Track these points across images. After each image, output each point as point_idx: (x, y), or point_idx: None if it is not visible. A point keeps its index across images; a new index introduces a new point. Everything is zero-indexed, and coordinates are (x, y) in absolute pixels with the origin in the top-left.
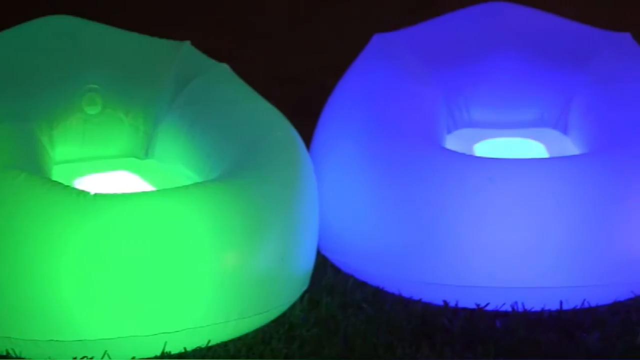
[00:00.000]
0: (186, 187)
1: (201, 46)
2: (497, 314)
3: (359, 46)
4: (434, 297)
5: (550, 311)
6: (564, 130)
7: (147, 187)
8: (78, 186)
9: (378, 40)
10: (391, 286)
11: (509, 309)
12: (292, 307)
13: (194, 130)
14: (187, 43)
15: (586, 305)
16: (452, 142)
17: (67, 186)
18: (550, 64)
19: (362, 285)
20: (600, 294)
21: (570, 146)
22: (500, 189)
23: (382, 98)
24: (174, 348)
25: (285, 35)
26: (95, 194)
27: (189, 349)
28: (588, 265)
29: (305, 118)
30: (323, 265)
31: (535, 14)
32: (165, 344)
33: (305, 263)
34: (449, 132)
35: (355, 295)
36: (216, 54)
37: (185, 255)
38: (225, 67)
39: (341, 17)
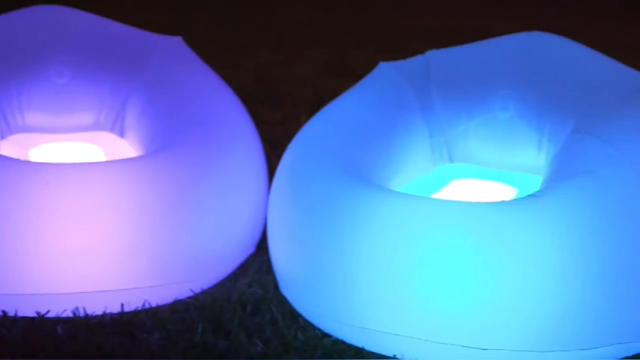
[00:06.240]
0: None
1: None
2: (58, 320)
3: None
4: None
5: (111, 314)
6: (120, 134)
7: None
8: None
9: None
10: None
11: (71, 315)
12: None
13: None
14: None
15: (147, 305)
16: (7, 147)
17: None
18: (105, 68)
19: None
20: (161, 294)
21: (127, 149)
22: (57, 194)
23: None
24: None
25: None
26: None
27: None
28: (148, 267)
29: None
30: None
31: (89, 17)
32: None
33: None
34: (3, 137)
35: None
36: None
37: None
38: None
39: None
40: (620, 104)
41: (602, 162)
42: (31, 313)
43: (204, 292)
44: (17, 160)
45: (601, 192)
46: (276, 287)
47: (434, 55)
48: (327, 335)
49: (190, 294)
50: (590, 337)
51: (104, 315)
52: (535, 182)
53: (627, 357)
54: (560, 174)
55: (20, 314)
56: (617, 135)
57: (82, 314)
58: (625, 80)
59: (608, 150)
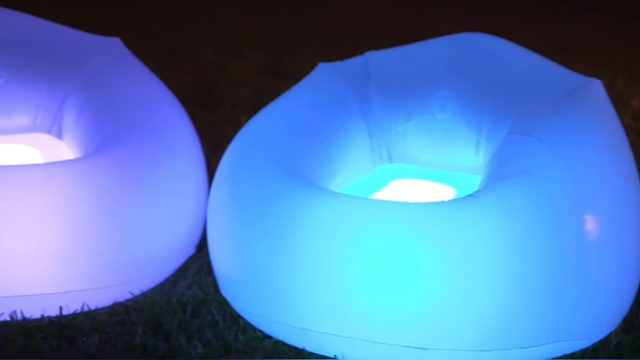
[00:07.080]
0: None
1: None
2: None
3: None
4: None
5: (50, 317)
6: (58, 135)
7: None
8: None
9: None
10: None
11: (8, 319)
12: None
13: None
14: None
15: (86, 308)
16: None
17: None
18: (42, 69)
19: None
20: (100, 296)
21: (65, 151)
22: None
23: None
24: None
25: None
26: None
27: None
28: (86, 269)
29: None
30: None
31: (25, 18)
32: None
33: None
34: None
35: None
36: None
37: None
38: None
39: None
40: (556, 104)
41: (538, 162)
42: None
43: (143, 295)
44: None
45: (538, 192)
46: (216, 289)
47: (373, 56)
48: (267, 337)
49: (130, 296)
50: (529, 336)
51: (42, 318)
52: (474, 182)
53: (565, 355)
54: (498, 174)
55: None
56: (553, 135)
57: (19, 317)
58: (560, 81)
59: (544, 150)
